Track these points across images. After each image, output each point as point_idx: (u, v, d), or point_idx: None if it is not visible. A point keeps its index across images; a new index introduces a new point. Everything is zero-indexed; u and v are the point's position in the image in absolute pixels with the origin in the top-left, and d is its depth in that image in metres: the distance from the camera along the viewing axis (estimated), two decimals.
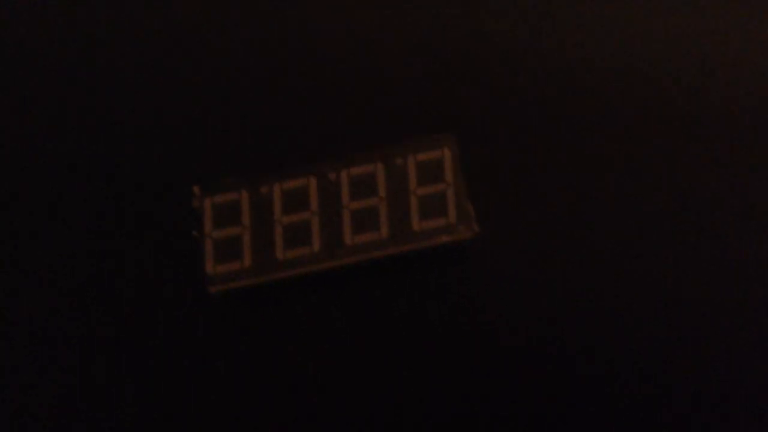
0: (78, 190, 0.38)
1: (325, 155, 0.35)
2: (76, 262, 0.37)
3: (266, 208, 0.35)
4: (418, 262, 0.36)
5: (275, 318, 0.36)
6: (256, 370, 0.36)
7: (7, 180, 0.38)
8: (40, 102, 0.39)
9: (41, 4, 0.41)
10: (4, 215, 0.38)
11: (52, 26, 0.40)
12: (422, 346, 0.36)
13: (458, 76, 0.38)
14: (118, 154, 0.38)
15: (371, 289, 0.36)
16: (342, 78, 0.38)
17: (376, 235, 0.35)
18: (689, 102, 0.37)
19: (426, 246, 0.35)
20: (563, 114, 0.38)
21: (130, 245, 0.37)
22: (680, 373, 0.34)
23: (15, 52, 0.40)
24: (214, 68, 0.39)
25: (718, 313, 0.34)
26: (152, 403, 0.35)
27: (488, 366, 0.35)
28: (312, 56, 0.38)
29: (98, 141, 0.38)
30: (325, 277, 0.35)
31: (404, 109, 0.38)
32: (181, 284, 0.36)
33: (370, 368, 0.36)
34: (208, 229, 0.35)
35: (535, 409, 0.34)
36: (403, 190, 0.35)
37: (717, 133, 0.36)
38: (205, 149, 0.38)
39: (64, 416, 0.35)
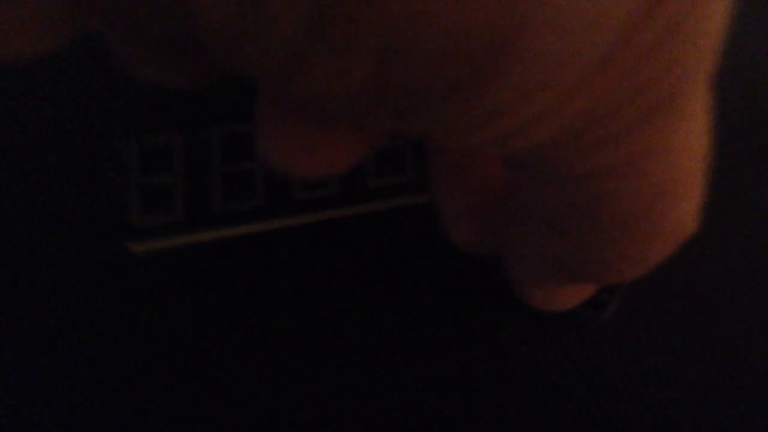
0: None
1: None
2: None
3: (203, 154, 0.31)
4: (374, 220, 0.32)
5: (210, 279, 0.32)
6: (185, 342, 0.31)
7: None
8: None
9: None
10: None
11: None
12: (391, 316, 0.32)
13: None
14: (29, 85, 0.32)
15: (317, 247, 0.32)
16: None
17: (324, 191, 0.31)
18: None
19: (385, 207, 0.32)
20: None
21: (38, 194, 0.31)
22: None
23: None
24: None
25: None
26: (67, 382, 0.30)
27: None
28: None
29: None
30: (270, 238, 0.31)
31: None
32: (101, 242, 0.31)
33: (330, 345, 0.32)
34: (134, 174, 0.30)
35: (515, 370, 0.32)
36: None
37: None
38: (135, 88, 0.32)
39: None
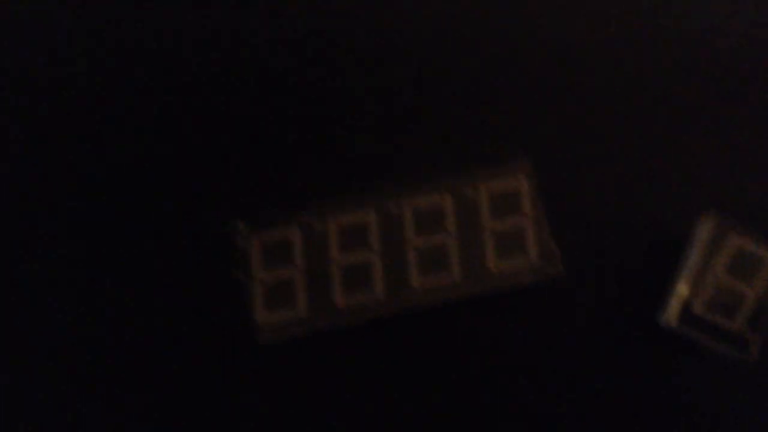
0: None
1: (383, 186, 0.31)
2: (107, 305, 0.32)
3: (322, 246, 0.31)
4: (495, 305, 0.31)
5: (333, 370, 0.32)
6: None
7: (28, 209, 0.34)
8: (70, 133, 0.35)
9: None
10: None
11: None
12: (502, 405, 0.31)
13: (529, 94, 0.34)
14: (148, 178, 0.34)
15: (442, 337, 0.32)
16: (400, 95, 0.34)
17: (447, 276, 0.31)
18: None
19: (504, 287, 0.31)
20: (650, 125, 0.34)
21: (166, 290, 0.32)
22: None
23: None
24: (254, 91, 0.35)
25: None
26: None
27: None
28: (366, 76, 0.34)
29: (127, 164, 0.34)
30: (390, 324, 0.31)
31: (472, 134, 0.33)
32: (226, 333, 0.31)
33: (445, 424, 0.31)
34: (256, 270, 0.31)
35: None
36: (475, 225, 0.31)
37: None
38: (248, 176, 0.33)
39: None
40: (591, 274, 0.32)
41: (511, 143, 0.33)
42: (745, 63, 0.34)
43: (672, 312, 0.30)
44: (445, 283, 0.31)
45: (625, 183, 0.33)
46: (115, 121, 0.33)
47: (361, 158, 0.33)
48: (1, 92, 0.33)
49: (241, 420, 0.31)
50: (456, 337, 0.32)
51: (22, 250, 0.32)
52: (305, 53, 0.34)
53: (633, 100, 0.34)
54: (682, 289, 0.30)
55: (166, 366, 0.31)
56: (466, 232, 0.31)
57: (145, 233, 0.32)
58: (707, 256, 0.30)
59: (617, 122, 0.33)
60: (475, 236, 0.31)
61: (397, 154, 0.33)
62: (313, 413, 0.31)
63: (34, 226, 0.32)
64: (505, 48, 0.34)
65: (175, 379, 0.31)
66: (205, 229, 0.32)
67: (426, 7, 0.34)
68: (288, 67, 0.34)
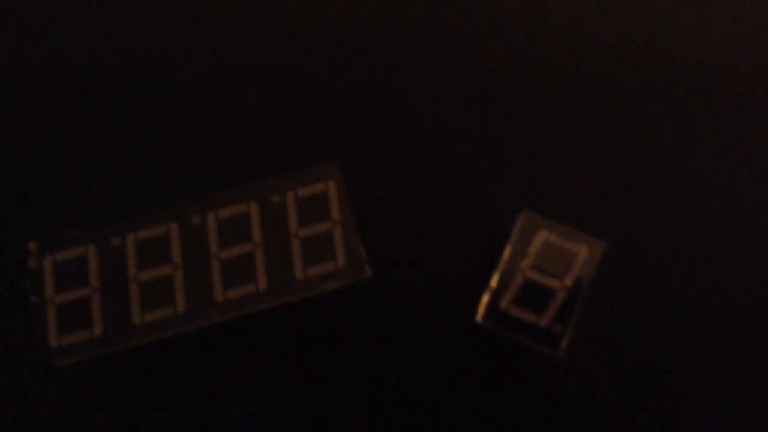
0: None
1: (187, 197, 0.30)
2: None
3: (119, 263, 0.30)
4: (304, 313, 0.30)
5: (134, 390, 0.30)
6: None
7: None
8: None
9: None
10: None
11: None
12: (322, 410, 0.30)
13: (335, 99, 0.33)
14: None
15: (249, 349, 0.31)
16: (203, 102, 0.33)
17: (252, 287, 0.29)
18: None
19: (311, 295, 0.29)
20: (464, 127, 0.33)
21: None
22: None
23: None
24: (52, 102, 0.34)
25: None
26: None
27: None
28: (167, 79, 0.34)
29: None
30: (194, 340, 0.30)
31: (278, 138, 0.33)
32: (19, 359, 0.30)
33: None
34: (50, 292, 0.29)
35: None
36: (283, 233, 0.30)
37: None
38: (41, 198, 0.32)
39: None
40: (409, 276, 0.31)
41: (319, 148, 0.32)
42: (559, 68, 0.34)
43: (480, 308, 0.29)
44: (249, 294, 0.29)
45: (443, 184, 0.32)
46: None
47: (161, 171, 0.32)
48: None
49: None
50: (264, 345, 0.31)
51: None
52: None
53: (447, 100, 0.33)
54: (492, 284, 0.29)
55: None
56: (272, 240, 0.30)
57: None
58: (518, 253, 0.29)
59: (433, 124, 0.33)
60: (282, 244, 0.30)
61: (199, 163, 0.32)
62: None
63: None
64: (311, 52, 0.33)
65: None
66: None
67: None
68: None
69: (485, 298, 0.29)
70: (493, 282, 0.29)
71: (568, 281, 0.29)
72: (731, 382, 0.30)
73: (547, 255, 0.29)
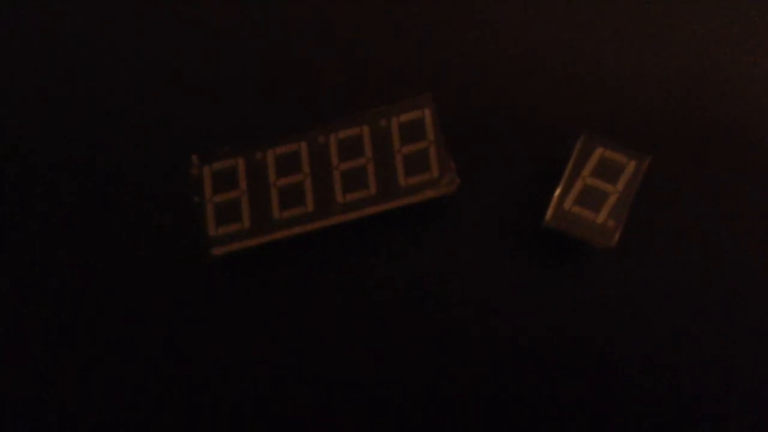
0: (81, 169, 0.41)
1: (314, 121, 0.38)
2: (83, 234, 0.39)
3: (262, 172, 0.37)
4: (407, 217, 0.38)
5: (275, 276, 0.38)
6: (258, 328, 0.38)
7: None
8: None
9: None
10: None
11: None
12: (412, 300, 0.38)
13: (431, 36, 0.41)
14: (118, 130, 0.41)
15: (364, 245, 0.38)
16: (318, 49, 0.41)
17: (366, 192, 0.37)
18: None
19: (412, 201, 0.37)
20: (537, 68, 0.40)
21: (133, 216, 0.39)
22: None
23: None
24: (207, 47, 0.42)
25: None
26: (158, 368, 0.37)
27: (472, 323, 0.37)
28: (291, 33, 0.41)
29: (95, 117, 0.41)
30: (321, 234, 0.37)
31: (383, 73, 0.40)
32: (185, 249, 0.38)
33: (366, 324, 0.37)
34: (209, 194, 0.37)
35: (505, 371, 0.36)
36: (389, 150, 0.37)
37: None
38: (201, 120, 0.40)
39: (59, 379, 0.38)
40: (489, 188, 0.39)
41: (415, 81, 0.39)
42: None
43: (549, 211, 0.36)
44: (364, 198, 0.37)
45: (516, 111, 0.39)
46: None
47: (292, 101, 0.40)
48: None
49: (201, 322, 0.38)
50: (374, 245, 0.38)
51: None
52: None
53: (522, 44, 0.40)
54: (557, 192, 0.36)
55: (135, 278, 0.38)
56: (380, 156, 0.37)
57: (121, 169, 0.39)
58: (578, 165, 0.36)
59: (508, 62, 0.40)
60: (388, 159, 0.37)
61: (321, 95, 0.40)
62: (259, 320, 0.38)
63: None
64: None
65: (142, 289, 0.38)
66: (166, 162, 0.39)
67: None
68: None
69: (553, 201, 0.36)
70: (559, 189, 0.36)
71: (620, 186, 0.36)
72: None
73: (602, 167, 0.36)
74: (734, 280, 0.37)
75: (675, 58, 0.40)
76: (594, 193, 0.36)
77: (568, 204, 0.36)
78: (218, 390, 0.37)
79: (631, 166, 0.36)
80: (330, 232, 0.37)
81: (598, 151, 0.36)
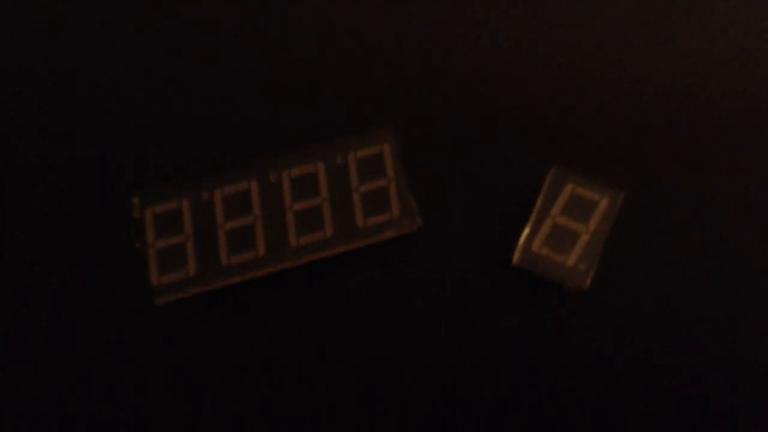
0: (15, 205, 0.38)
1: (266, 151, 0.35)
2: (17, 280, 0.37)
3: (208, 214, 0.35)
4: (364, 258, 0.35)
5: (224, 324, 0.36)
6: (209, 376, 0.35)
7: None
8: None
9: None
10: None
11: None
12: (372, 346, 0.35)
13: (392, 69, 0.38)
14: (55, 167, 0.38)
15: (320, 289, 0.36)
16: (274, 76, 0.38)
17: (321, 234, 0.35)
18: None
19: (371, 242, 0.34)
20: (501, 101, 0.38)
21: (70, 260, 0.36)
22: None
23: None
24: (150, 76, 0.39)
25: None
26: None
27: (446, 361, 0.35)
28: (244, 57, 0.39)
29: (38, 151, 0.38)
30: (273, 280, 0.35)
31: (340, 106, 0.38)
32: (126, 297, 0.35)
33: (324, 369, 0.35)
34: (151, 239, 0.34)
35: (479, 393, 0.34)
36: (346, 188, 0.35)
37: None
38: (141, 156, 0.38)
39: None
40: (453, 226, 0.36)
41: (374, 114, 0.37)
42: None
43: (516, 254, 0.34)
44: (319, 240, 0.35)
45: (482, 145, 0.37)
46: None
47: (244, 133, 0.37)
48: None
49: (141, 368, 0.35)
50: (329, 287, 0.36)
51: None
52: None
53: (489, 73, 0.38)
54: (525, 232, 0.34)
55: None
56: (337, 195, 0.35)
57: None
58: (548, 202, 0.34)
59: (475, 91, 0.38)
60: (346, 198, 0.35)
61: (274, 129, 0.37)
62: (205, 365, 0.35)
63: None
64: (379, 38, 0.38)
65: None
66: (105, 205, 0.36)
67: None
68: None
69: (521, 242, 0.34)
70: (527, 228, 0.34)
71: (592, 226, 0.34)
72: (746, 318, 0.35)
73: (573, 204, 0.34)
74: (715, 317, 0.35)
75: (649, 86, 0.38)
76: (564, 233, 0.34)
77: (536, 245, 0.34)
78: None
79: (604, 203, 0.34)
80: (283, 275, 0.35)
81: (569, 187, 0.34)
